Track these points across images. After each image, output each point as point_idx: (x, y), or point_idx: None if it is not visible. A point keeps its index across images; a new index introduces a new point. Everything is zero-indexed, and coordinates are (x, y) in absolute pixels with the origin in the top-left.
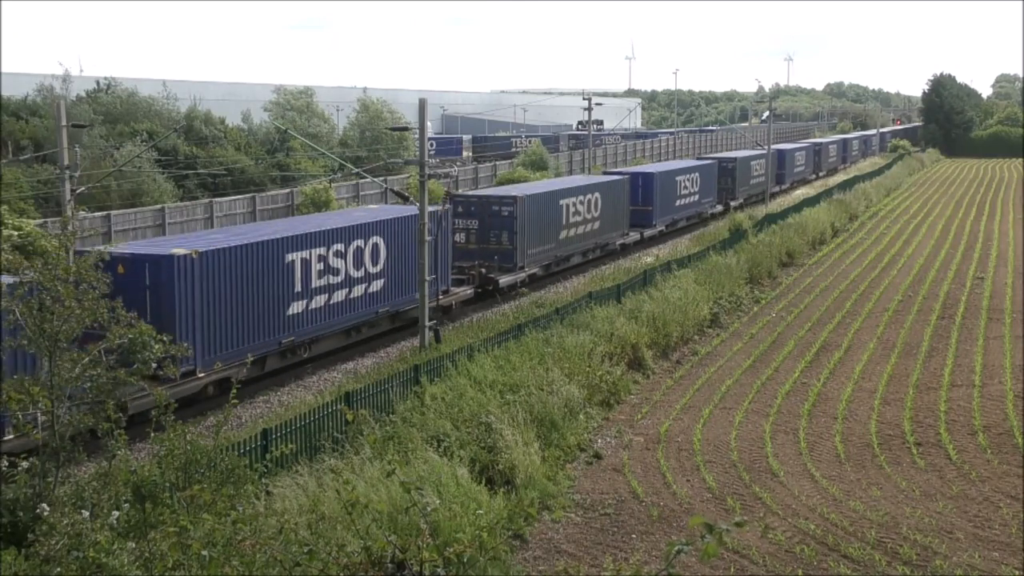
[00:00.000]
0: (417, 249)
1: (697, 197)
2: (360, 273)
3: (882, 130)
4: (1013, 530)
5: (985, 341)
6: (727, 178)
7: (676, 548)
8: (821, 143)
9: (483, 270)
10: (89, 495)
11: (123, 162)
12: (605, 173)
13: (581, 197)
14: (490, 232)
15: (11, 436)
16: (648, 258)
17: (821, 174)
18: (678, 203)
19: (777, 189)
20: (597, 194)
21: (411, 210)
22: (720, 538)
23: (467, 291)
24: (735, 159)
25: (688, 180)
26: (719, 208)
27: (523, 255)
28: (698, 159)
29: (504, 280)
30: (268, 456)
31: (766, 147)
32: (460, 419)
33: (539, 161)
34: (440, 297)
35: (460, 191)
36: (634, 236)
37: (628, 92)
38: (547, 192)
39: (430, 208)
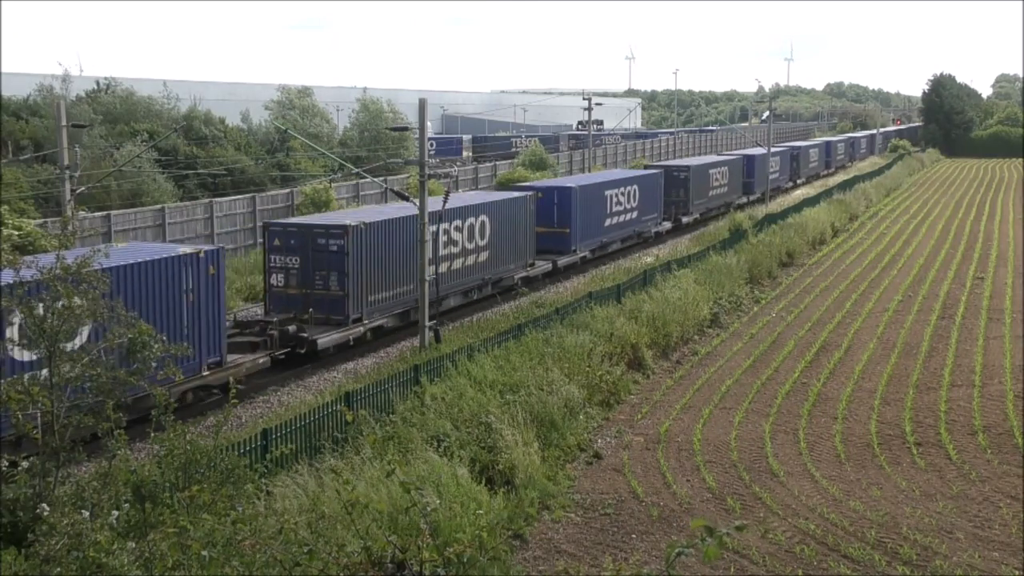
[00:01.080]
0: (418, 249)
1: (635, 214)
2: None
3: (882, 130)
4: (1013, 530)
5: (985, 341)
6: (678, 190)
7: (677, 551)
8: (799, 147)
9: (290, 327)
10: (89, 495)
11: (123, 162)
12: (513, 188)
13: (456, 223)
14: (315, 273)
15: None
16: (648, 258)
17: (800, 181)
18: (609, 222)
19: (745, 200)
20: (484, 217)
21: (154, 253)
22: (721, 541)
23: (259, 359)
24: (688, 168)
25: (622, 194)
26: (666, 226)
27: (358, 303)
28: (645, 168)
29: (326, 340)
30: (268, 456)
31: (766, 147)
32: (460, 419)
33: (539, 161)
34: (206, 372)
35: (278, 219)
36: (543, 266)
37: (628, 92)
38: (396, 219)
39: (188, 249)
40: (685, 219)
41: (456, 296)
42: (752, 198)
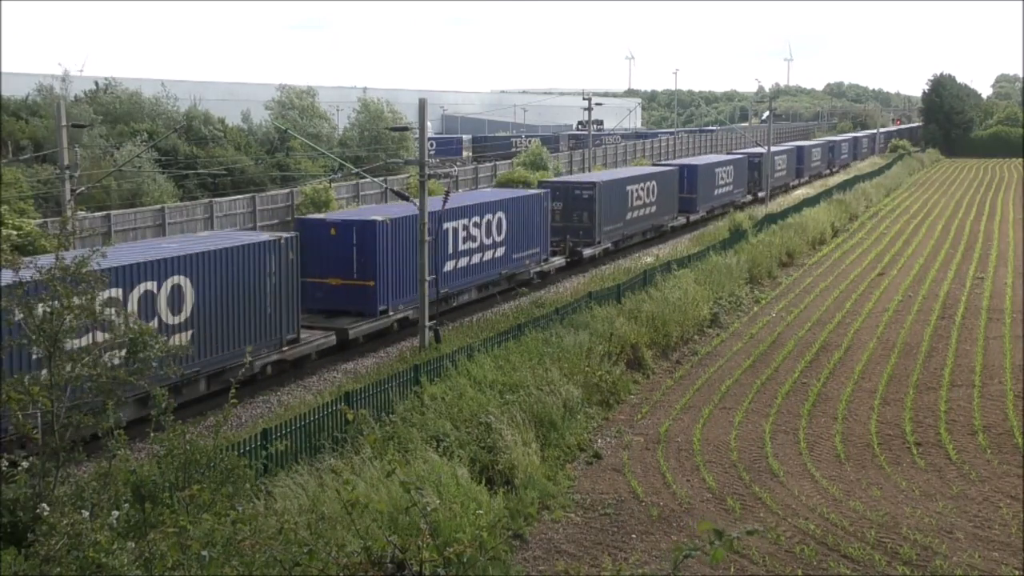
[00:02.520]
0: (418, 249)
1: (502, 251)
2: None
3: (882, 130)
4: (1013, 530)
5: (985, 341)
6: (581, 214)
7: (684, 553)
8: (761, 154)
9: None
10: (89, 495)
11: (123, 162)
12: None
13: (149, 284)
14: None
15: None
16: (648, 258)
17: (761, 194)
18: (452, 266)
19: (684, 221)
20: (178, 280)
21: None
22: (731, 545)
23: None
24: (593, 185)
25: (476, 226)
26: (557, 263)
27: None
28: (543, 184)
29: None
30: (266, 453)
31: (766, 148)
32: (460, 419)
33: (539, 161)
34: None
35: None
36: (314, 342)
37: (628, 92)
38: None
39: None
40: (589, 251)
41: (129, 407)
42: (693, 218)
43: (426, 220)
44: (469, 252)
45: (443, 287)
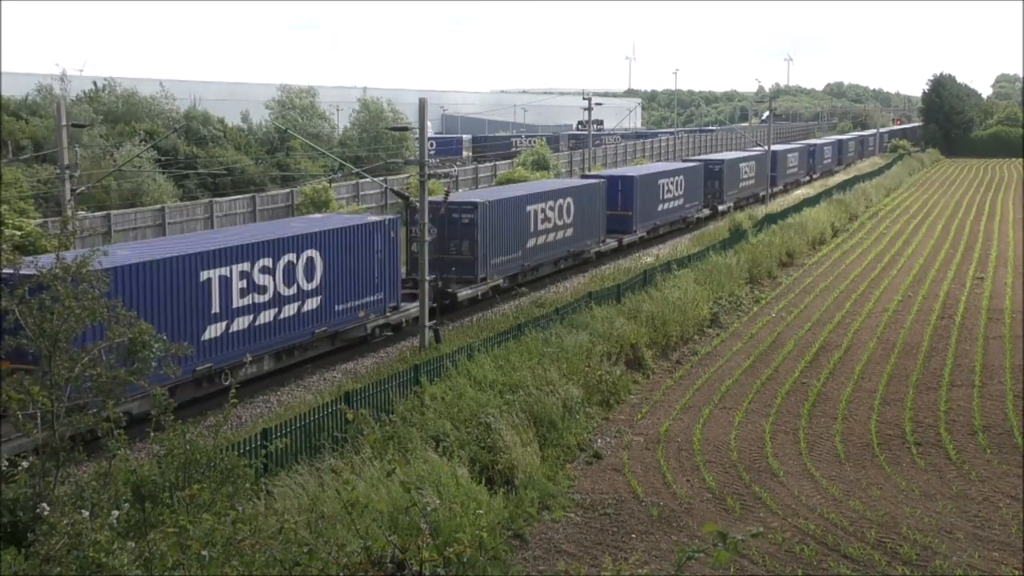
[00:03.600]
0: (419, 248)
1: (318, 301)
2: None
3: (882, 130)
4: (1013, 530)
5: (985, 341)
6: (460, 242)
7: (688, 555)
8: (723, 160)
9: None
10: (89, 495)
11: (123, 162)
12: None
13: None
14: None
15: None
16: (648, 258)
17: (723, 208)
18: (227, 328)
19: (615, 244)
20: None
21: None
22: (735, 547)
23: None
24: (475, 206)
25: (269, 271)
26: (414, 309)
27: None
28: (383, 214)
29: None
30: (265, 452)
31: (766, 148)
32: (460, 419)
33: (541, 160)
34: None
35: None
36: None
37: (628, 92)
38: None
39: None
40: (467, 292)
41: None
42: (629, 240)
43: (427, 220)
44: (254, 308)
45: (206, 360)
